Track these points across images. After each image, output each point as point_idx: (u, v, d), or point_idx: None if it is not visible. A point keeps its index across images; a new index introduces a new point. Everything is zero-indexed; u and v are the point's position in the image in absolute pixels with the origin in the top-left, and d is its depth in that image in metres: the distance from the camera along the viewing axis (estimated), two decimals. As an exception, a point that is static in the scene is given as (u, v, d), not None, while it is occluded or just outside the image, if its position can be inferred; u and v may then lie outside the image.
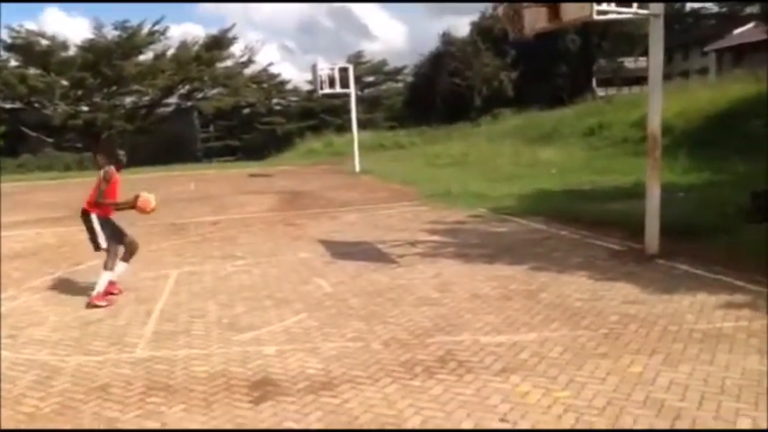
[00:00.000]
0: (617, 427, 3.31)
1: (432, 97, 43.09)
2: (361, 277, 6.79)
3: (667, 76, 12.50)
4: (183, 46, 44.27)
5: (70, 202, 10.05)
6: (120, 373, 4.35)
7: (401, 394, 3.80)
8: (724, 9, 44.51)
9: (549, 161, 18.09)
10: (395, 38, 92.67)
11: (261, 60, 65.39)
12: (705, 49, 41.40)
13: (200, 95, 46.81)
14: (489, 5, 42.04)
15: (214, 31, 48.44)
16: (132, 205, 6.25)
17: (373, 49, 74.36)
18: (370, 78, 53.21)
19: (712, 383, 3.73)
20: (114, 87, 42.02)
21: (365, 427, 3.45)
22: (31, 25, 49.28)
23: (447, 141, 27.51)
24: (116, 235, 6.29)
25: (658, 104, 6.93)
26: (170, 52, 43.53)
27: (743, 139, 14.34)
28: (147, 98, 44.30)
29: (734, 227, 7.62)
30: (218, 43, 44.94)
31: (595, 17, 6.23)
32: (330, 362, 4.37)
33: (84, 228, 6.28)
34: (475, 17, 49.91)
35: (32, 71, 39.43)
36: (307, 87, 47.53)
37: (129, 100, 44.51)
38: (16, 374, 4.44)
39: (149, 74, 41.32)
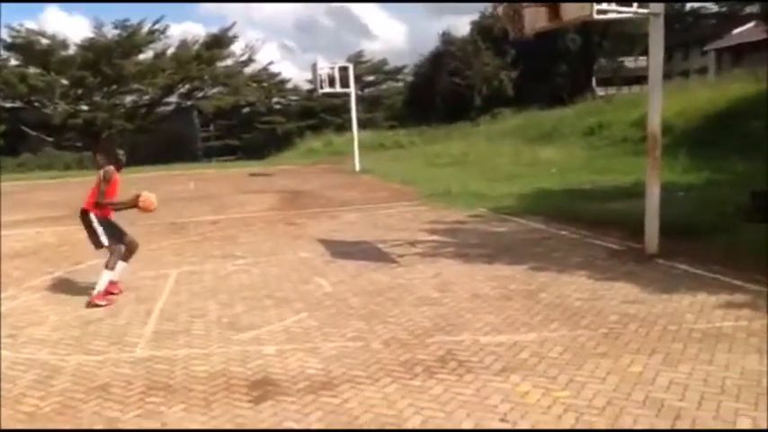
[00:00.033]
0: (617, 426, 3.32)
1: (432, 97, 43.09)
2: (362, 277, 6.80)
3: (667, 76, 12.48)
4: (184, 45, 44.32)
5: (70, 201, 10.06)
6: (120, 373, 4.35)
7: (401, 394, 3.80)
8: (724, 9, 44.55)
9: (549, 161, 18.09)
10: (395, 37, 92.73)
11: (261, 59, 65.05)
12: (705, 48, 41.42)
13: (200, 94, 46.85)
14: (489, 5, 41.98)
15: (214, 30, 48.41)
16: (133, 204, 6.25)
17: (373, 49, 74.68)
18: (370, 78, 53.25)
19: (712, 383, 3.74)
20: (114, 86, 42.06)
21: (365, 427, 3.45)
22: (31, 24, 49.40)
23: (447, 141, 27.51)
24: (116, 234, 6.29)
25: (658, 104, 6.93)
26: (170, 51, 43.63)
27: (742, 139, 14.35)
28: (147, 97, 44.34)
29: (733, 226, 7.62)
30: (219, 42, 44.97)
31: (595, 16, 6.23)
32: (330, 361, 4.37)
33: (85, 228, 6.28)
34: (475, 17, 50.01)
35: (32, 70, 39.47)
36: (307, 86, 47.57)
37: (129, 99, 44.57)
38: (16, 374, 4.44)
39: (149, 73, 41.35)
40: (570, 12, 6.42)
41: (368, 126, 37.53)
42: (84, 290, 6.43)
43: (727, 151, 13.77)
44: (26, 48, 39.32)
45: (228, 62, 46.81)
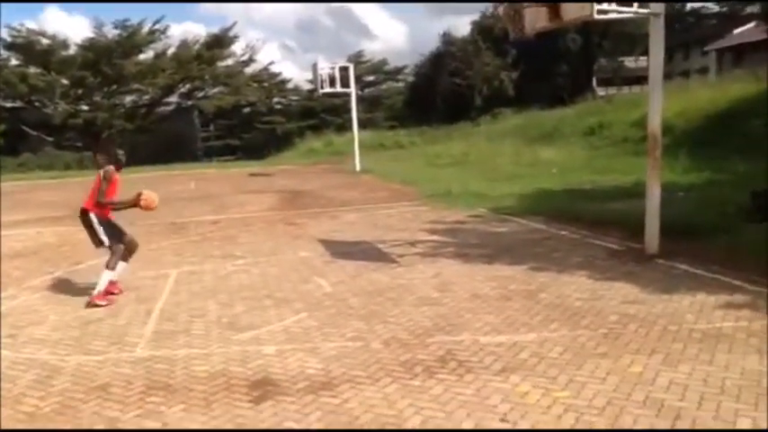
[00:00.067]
0: (617, 426, 3.32)
1: (432, 97, 43.08)
2: (361, 277, 6.79)
3: (668, 76, 12.49)
4: (184, 45, 44.32)
5: (70, 201, 10.07)
6: (120, 373, 4.36)
7: (401, 394, 3.80)
8: (724, 9, 44.52)
9: (550, 161, 18.09)
10: (395, 37, 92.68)
11: (261, 59, 65.22)
12: (705, 48, 41.40)
13: (200, 94, 46.86)
14: (490, 5, 42.05)
15: (215, 29, 48.51)
16: (134, 203, 6.25)
17: (374, 49, 74.53)
18: (371, 78, 53.22)
19: (712, 383, 3.73)
20: (114, 86, 42.07)
21: (365, 427, 3.45)
22: (31, 24, 49.36)
23: (447, 141, 27.51)
24: (116, 234, 6.29)
25: (659, 104, 6.93)
26: (170, 51, 43.63)
27: (743, 139, 14.35)
28: (147, 97, 44.35)
29: (734, 226, 7.61)
30: (219, 42, 44.98)
31: (596, 16, 6.23)
32: (330, 362, 4.37)
33: (85, 228, 6.27)
34: (475, 17, 50.00)
35: (33, 70, 39.49)
36: (307, 86, 47.53)
37: (129, 99, 44.58)
38: (16, 374, 4.44)
39: (150, 73, 41.36)
40: (571, 12, 6.42)
41: (368, 126, 37.53)
42: (85, 290, 6.43)
43: (728, 151, 13.76)
44: (26, 47, 39.35)
45: (229, 62, 46.86)
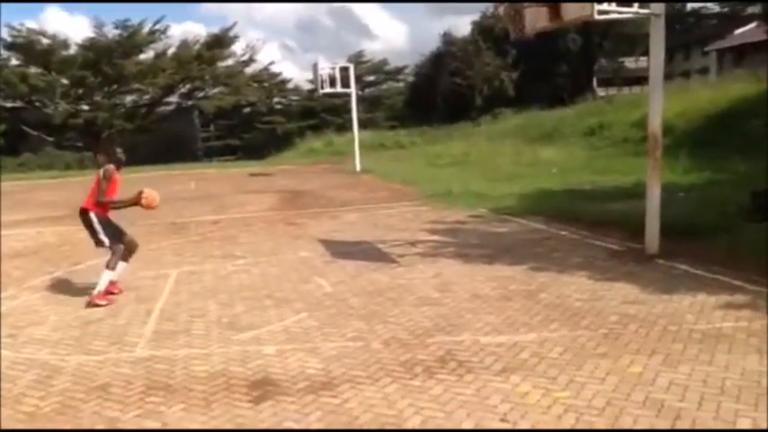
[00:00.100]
0: (617, 427, 3.31)
1: (432, 97, 43.09)
2: (362, 277, 6.79)
3: (668, 76, 12.51)
4: (184, 45, 44.33)
5: (71, 200, 10.08)
6: (120, 373, 4.36)
7: (401, 394, 3.80)
8: (725, 9, 44.50)
9: (550, 161, 18.09)
10: (395, 37, 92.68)
11: (262, 59, 65.38)
12: (706, 48, 41.37)
13: (200, 94, 46.87)
14: (490, 5, 42.04)
15: (215, 30, 48.49)
16: (135, 202, 6.24)
17: (374, 49, 74.35)
18: (371, 78, 53.23)
19: (712, 384, 3.73)
20: (115, 86, 42.08)
21: (365, 427, 3.45)
22: (31, 24, 49.33)
23: (448, 141, 27.51)
24: (116, 234, 6.29)
25: (659, 104, 6.93)
26: (171, 51, 43.64)
27: (743, 139, 14.34)
28: (147, 97, 44.36)
29: (734, 226, 7.61)
30: (220, 42, 44.98)
31: (596, 17, 6.23)
32: (330, 362, 4.37)
33: (84, 227, 6.27)
34: (476, 17, 49.97)
35: (33, 70, 39.50)
36: (307, 86, 47.54)
37: (129, 99, 44.59)
38: (16, 374, 4.44)
39: (150, 73, 41.37)
40: (571, 12, 6.42)
41: (368, 126, 37.53)
42: (85, 290, 6.43)
43: (729, 151, 13.76)
44: (27, 47, 39.35)
45: (229, 62, 46.87)
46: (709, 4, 46.76)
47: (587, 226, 8.89)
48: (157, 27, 42.25)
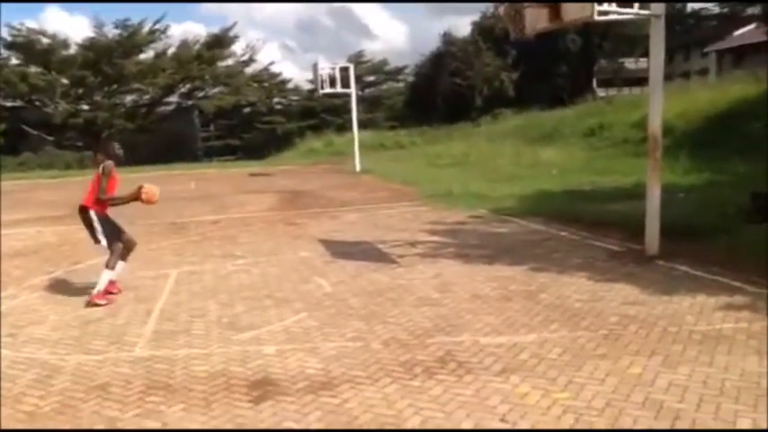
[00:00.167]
0: (616, 427, 3.31)
1: (432, 97, 43.10)
2: (362, 277, 6.80)
3: (668, 77, 12.51)
4: (184, 45, 44.35)
5: (71, 200, 10.08)
6: (120, 372, 4.36)
7: (401, 394, 3.80)
8: (725, 10, 44.49)
9: (550, 161, 18.09)
10: (396, 37, 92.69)
11: (262, 59, 65.43)
12: (706, 49, 41.43)
13: (200, 94, 46.90)
14: (490, 5, 42.04)
15: (215, 29, 48.51)
16: (135, 197, 6.23)
17: (374, 49, 74.36)
18: (371, 78, 53.25)
19: (711, 385, 3.73)
20: (115, 86, 42.10)
21: (365, 427, 3.45)
22: (31, 23, 49.34)
23: (448, 141, 27.53)
24: (115, 232, 6.27)
25: (659, 105, 6.93)
26: (171, 51, 43.67)
27: (743, 140, 14.35)
28: (147, 97, 44.37)
29: (734, 227, 7.62)
30: (220, 42, 45.00)
31: (596, 17, 6.23)
32: (330, 362, 4.37)
33: (84, 225, 6.26)
34: (476, 17, 50.01)
35: (33, 69, 39.51)
36: (307, 87, 47.56)
37: (129, 98, 44.60)
38: (16, 373, 4.44)
39: (150, 72, 41.38)
40: (571, 12, 6.42)
41: (368, 126, 37.55)
42: (84, 289, 6.42)
43: (728, 152, 13.77)
44: (27, 47, 39.36)
45: (229, 62, 46.90)
46: (708, 5, 46.80)
47: (587, 227, 8.90)
48: (157, 27, 42.34)
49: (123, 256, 6.36)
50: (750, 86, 18.46)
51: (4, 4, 52.49)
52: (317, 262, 7.68)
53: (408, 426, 3.44)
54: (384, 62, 53.95)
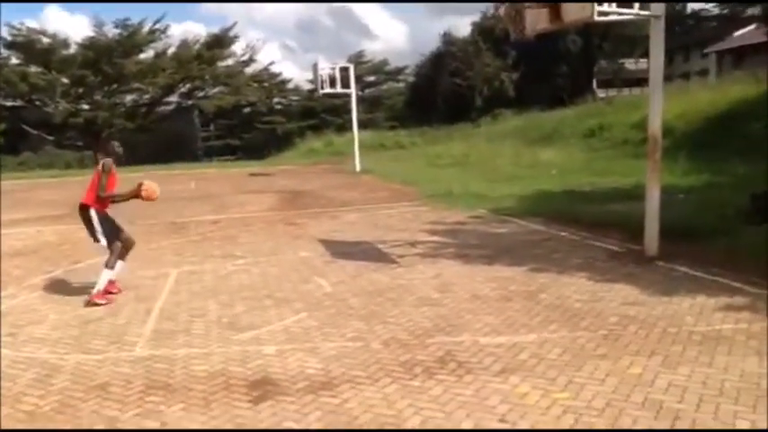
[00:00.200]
0: (616, 427, 3.32)
1: (433, 97, 43.13)
2: (362, 277, 6.80)
3: (668, 78, 12.52)
4: (184, 44, 44.30)
5: (71, 199, 10.08)
6: (120, 372, 4.36)
7: (401, 394, 3.80)
8: (725, 11, 44.47)
9: (550, 162, 18.10)
10: (396, 38, 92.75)
11: (262, 59, 65.42)
12: (705, 50, 41.44)
13: (200, 94, 46.86)
14: (491, 5, 42.09)
15: (215, 29, 48.50)
16: (136, 194, 6.23)
17: (374, 49, 74.32)
18: (371, 78, 53.26)
19: (711, 385, 3.74)
20: (115, 85, 42.06)
21: (365, 427, 3.45)
22: (31, 23, 49.25)
23: (448, 141, 27.54)
24: (114, 231, 6.27)
25: (659, 106, 6.93)
26: (171, 51, 43.61)
27: (743, 141, 14.36)
28: (147, 96, 44.32)
29: (733, 229, 7.62)
30: (220, 42, 44.96)
31: (596, 18, 6.23)
32: (330, 362, 4.37)
33: (83, 223, 6.26)
34: (476, 17, 50.02)
35: (33, 69, 39.47)
36: (307, 87, 47.58)
37: (129, 98, 44.55)
38: (16, 372, 4.44)
39: (150, 72, 41.35)
40: (571, 13, 6.43)
41: (368, 126, 37.57)
42: (84, 289, 6.43)
43: (728, 153, 13.77)
44: (27, 46, 39.33)
45: (229, 62, 46.83)
46: (708, 6, 46.78)
47: (587, 227, 8.90)
48: (157, 26, 42.26)
49: (122, 255, 6.35)
50: (750, 87, 18.47)
51: (4, 4, 52.47)
52: (316, 262, 7.68)
53: (408, 426, 3.44)
54: (384, 62, 53.99)
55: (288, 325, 5.24)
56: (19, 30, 38.93)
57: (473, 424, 3.42)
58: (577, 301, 5.54)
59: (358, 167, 21.31)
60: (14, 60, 39.97)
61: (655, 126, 6.95)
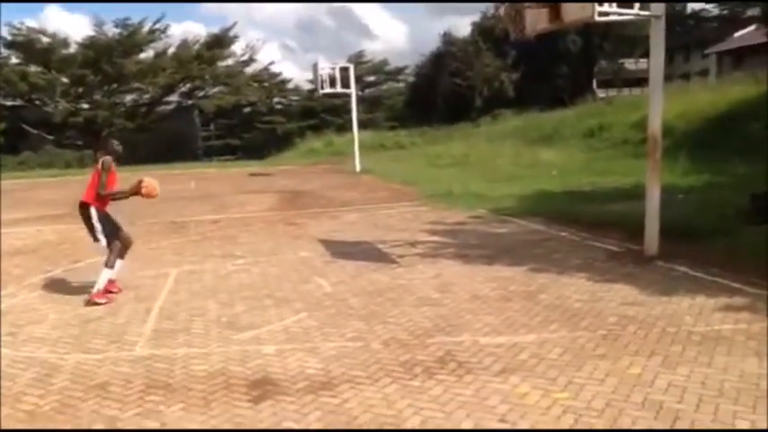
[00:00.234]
0: (615, 427, 3.32)
1: (433, 97, 43.12)
2: (362, 277, 6.80)
3: (668, 78, 12.50)
4: (184, 44, 44.33)
5: (71, 199, 10.08)
6: (120, 372, 4.36)
7: (401, 394, 3.81)
8: (725, 11, 44.51)
9: (550, 162, 18.10)
10: (396, 38, 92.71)
11: (262, 59, 65.40)
12: (706, 51, 41.45)
13: (200, 94, 46.88)
14: (491, 5, 42.11)
15: (215, 29, 48.53)
16: (136, 191, 6.22)
17: (374, 49, 74.27)
18: (371, 78, 53.23)
19: (710, 386, 3.74)
20: (115, 85, 42.07)
21: (365, 427, 3.45)
22: (31, 22, 49.14)
23: (448, 142, 27.54)
24: (113, 230, 6.26)
25: (659, 106, 6.94)
26: (171, 50, 43.63)
27: (743, 141, 14.37)
28: (147, 96, 44.34)
29: (733, 229, 7.62)
30: (220, 42, 44.98)
31: (597, 18, 6.23)
32: (330, 361, 4.37)
33: (83, 222, 6.25)
34: (476, 17, 49.99)
35: (33, 68, 39.48)
36: (307, 87, 47.55)
37: (129, 98, 44.57)
38: (16, 372, 4.44)
39: (150, 72, 41.36)
40: (571, 13, 6.43)
41: (368, 126, 37.56)
42: (84, 288, 6.43)
43: (728, 154, 13.78)
44: (27, 46, 39.33)
45: (229, 62, 46.85)
46: (708, 6, 46.80)
47: (587, 227, 8.90)
48: (157, 26, 42.28)
49: (121, 255, 6.35)
50: (750, 88, 18.48)
51: (4, 4, 52.38)
52: (317, 262, 7.69)
53: (408, 426, 3.44)
54: (384, 62, 53.97)
55: (288, 325, 5.24)
56: (19, 29, 38.96)
57: (473, 424, 3.42)
58: (577, 302, 5.54)
59: (358, 167, 21.31)
60: (14, 60, 39.99)
61: (655, 126, 6.95)
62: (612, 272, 6.56)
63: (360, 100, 30.36)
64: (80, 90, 41.01)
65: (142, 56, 42.36)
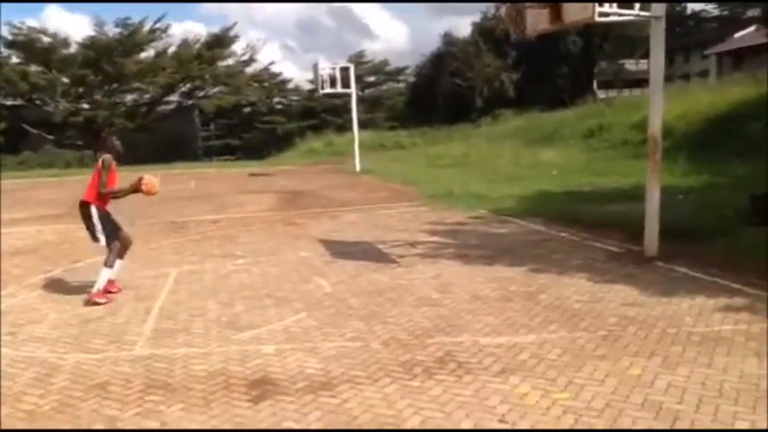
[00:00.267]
0: (615, 428, 3.32)
1: (433, 98, 43.12)
2: (361, 277, 6.80)
3: (668, 79, 12.53)
4: (185, 44, 44.38)
5: (71, 199, 10.10)
6: (120, 371, 4.36)
7: (400, 394, 3.81)
8: (725, 12, 44.53)
9: (550, 162, 18.11)
10: (396, 38, 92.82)
11: (262, 59, 65.60)
12: (706, 52, 41.51)
13: (201, 94, 46.93)
14: (491, 6, 42.10)
15: (216, 29, 48.57)
16: (136, 189, 6.21)
17: (374, 49, 74.29)
18: (372, 78, 53.30)
19: (710, 386, 3.74)
20: (115, 85, 42.12)
21: (364, 427, 3.45)
22: (32, 22, 49.22)
23: (448, 142, 27.55)
24: (113, 230, 6.25)
25: (659, 107, 6.94)
26: (171, 50, 43.70)
27: (742, 142, 14.37)
28: (147, 96, 44.39)
29: (733, 229, 7.62)
30: (220, 42, 45.03)
31: (597, 19, 6.23)
32: (329, 361, 4.37)
33: (83, 220, 6.25)
34: (476, 17, 50.10)
35: (34, 68, 39.52)
36: (308, 87, 47.60)
37: (129, 98, 44.63)
38: (16, 372, 4.44)
39: (150, 72, 41.40)
40: (572, 14, 6.43)
41: (369, 126, 37.58)
42: (84, 288, 6.42)
43: (728, 154, 13.79)
44: (27, 45, 39.37)
45: (229, 62, 46.92)
46: (708, 7, 46.82)
47: (587, 228, 8.90)
48: (158, 26, 42.35)
49: (120, 255, 6.34)
50: (750, 89, 18.49)
51: (4, 3, 52.42)
52: (316, 262, 7.69)
53: (408, 426, 3.44)
54: (384, 62, 54.04)
55: (287, 325, 5.24)
56: (19, 29, 39.02)
57: (473, 424, 3.42)
58: (577, 302, 5.54)
59: (358, 167, 21.31)
60: (15, 59, 40.04)
61: (655, 127, 6.95)
62: (612, 272, 6.56)
63: (360, 100, 30.36)
64: (80, 90, 41.05)
65: (142, 56, 42.45)
